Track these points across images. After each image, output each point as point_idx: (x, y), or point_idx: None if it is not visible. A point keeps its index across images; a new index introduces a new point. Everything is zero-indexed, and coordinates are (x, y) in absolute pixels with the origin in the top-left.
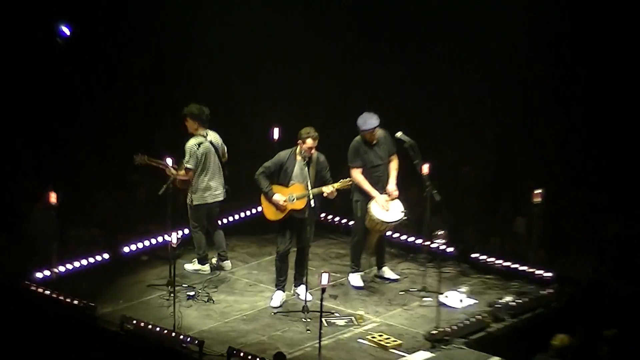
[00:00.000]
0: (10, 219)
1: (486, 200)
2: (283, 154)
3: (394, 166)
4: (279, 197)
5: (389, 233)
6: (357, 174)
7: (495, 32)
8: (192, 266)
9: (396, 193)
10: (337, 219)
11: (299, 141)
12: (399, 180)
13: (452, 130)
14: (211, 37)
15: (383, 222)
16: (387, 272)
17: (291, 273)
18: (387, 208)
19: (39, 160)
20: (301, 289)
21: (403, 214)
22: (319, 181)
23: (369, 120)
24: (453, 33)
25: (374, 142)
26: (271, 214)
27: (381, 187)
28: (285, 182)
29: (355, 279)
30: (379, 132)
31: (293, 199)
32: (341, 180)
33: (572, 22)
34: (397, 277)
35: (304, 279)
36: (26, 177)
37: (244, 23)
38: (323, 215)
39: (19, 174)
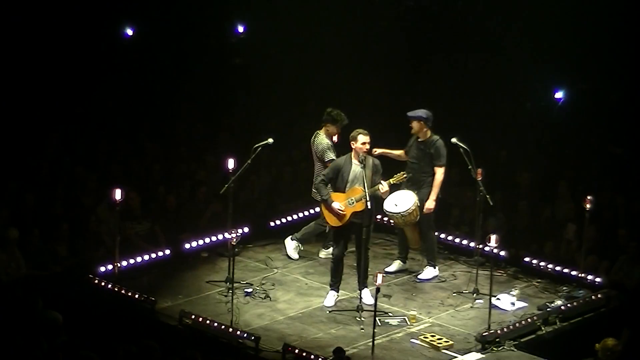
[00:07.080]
0: (74, 214)
1: (539, 204)
2: (339, 160)
3: (435, 180)
4: (337, 205)
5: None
6: None
7: (553, 37)
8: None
9: (431, 207)
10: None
11: (352, 142)
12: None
13: (507, 135)
14: (264, 40)
15: (388, 213)
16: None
17: (349, 275)
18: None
19: (104, 156)
20: (365, 293)
21: (396, 206)
22: (372, 185)
23: (416, 110)
24: (508, 39)
25: (418, 137)
26: (333, 220)
27: (410, 185)
28: (342, 187)
29: (392, 266)
30: (427, 134)
31: (352, 202)
32: (395, 175)
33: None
34: (421, 273)
35: (367, 282)
36: (91, 172)
37: (300, 24)
38: (379, 217)
39: (84, 169)
